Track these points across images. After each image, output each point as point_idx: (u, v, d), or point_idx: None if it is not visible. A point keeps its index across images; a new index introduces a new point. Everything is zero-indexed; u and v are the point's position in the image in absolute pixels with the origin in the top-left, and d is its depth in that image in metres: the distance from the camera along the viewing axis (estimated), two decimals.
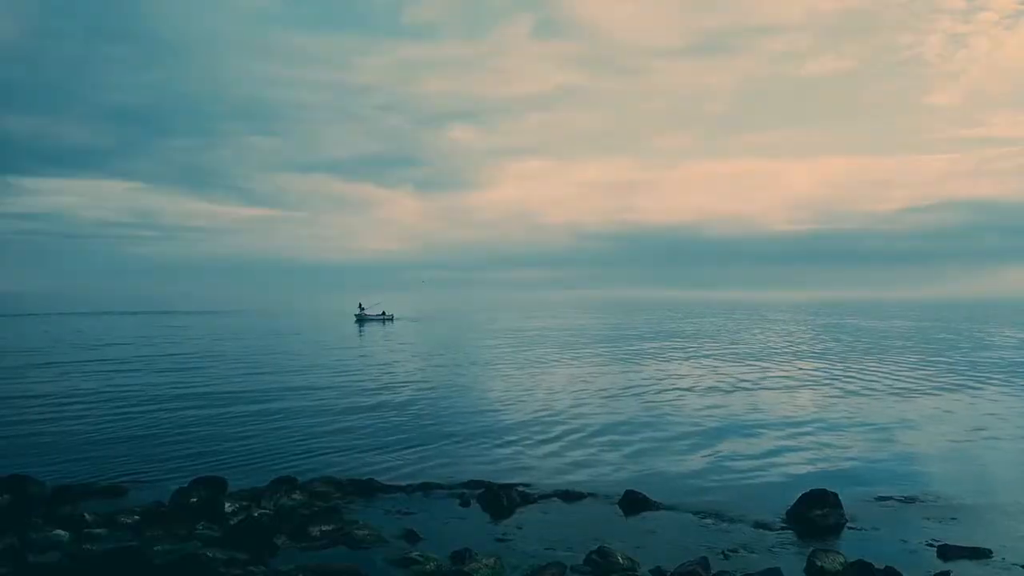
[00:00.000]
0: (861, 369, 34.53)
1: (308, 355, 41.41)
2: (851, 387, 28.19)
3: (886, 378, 30.95)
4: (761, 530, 11.30)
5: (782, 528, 11.45)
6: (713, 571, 9.31)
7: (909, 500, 12.97)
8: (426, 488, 13.47)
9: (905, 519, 11.95)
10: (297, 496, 12.47)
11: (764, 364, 36.82)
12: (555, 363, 37.31)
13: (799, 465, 15.68)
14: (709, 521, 11.76)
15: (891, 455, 16.66)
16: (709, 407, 23.23)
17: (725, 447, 17.38)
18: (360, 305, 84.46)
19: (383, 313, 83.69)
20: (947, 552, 10.29)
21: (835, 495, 11.90)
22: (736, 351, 44.80)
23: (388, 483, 13.71)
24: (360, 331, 65.60)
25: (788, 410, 22.73)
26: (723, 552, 10.26)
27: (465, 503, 12.71)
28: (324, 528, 10.82)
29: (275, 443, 17.36)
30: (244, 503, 11.78)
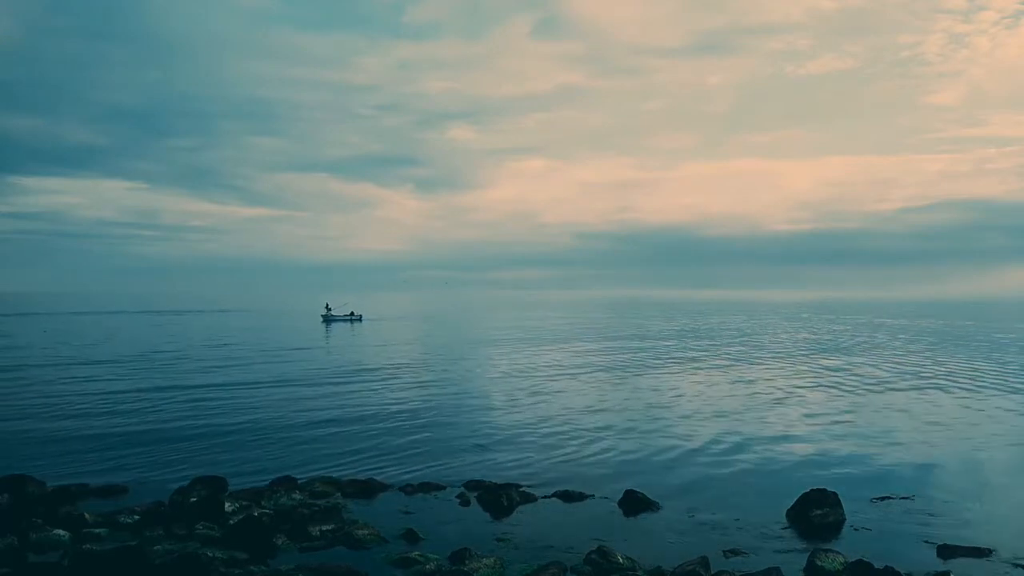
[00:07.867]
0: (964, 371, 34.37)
1: (307, 355, 41.40)
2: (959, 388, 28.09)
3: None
4: (761, 530, 11.30)
5: (782, 528, 11.45)
6: (713, 571, 9.30)
7: (909, 500, 12.96)
8: (426, 488, 13.47)
9: (905, 519, 11.94)
10: (297, 496, 12.47)
11: (783, 364, 36.82)
12: (552, 363, 37.29)
13: (799, 465, 15.69)
14: (709, 521, 11.76)
15: (891, 455, 16.65)
16: (710, 406, 23.22)
17: (725, 447, 17.38)
18: (327, 305, 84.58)
19: (351, 313, 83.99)
20: (947, 552, 10.29)
21: (835, 495, 11.91)
22: (755, 351, 44.80)
23: (388, 483, 13.71)
24: (327, 331, 65.13)
25: (788, 410, 22.73)
26: (723, 552, 10.26)
27: (465, 503, 12.70)
28: (324, 528, 10.82)
29: (275, 443, 17.36)
30: (244, 503, 11.77)
